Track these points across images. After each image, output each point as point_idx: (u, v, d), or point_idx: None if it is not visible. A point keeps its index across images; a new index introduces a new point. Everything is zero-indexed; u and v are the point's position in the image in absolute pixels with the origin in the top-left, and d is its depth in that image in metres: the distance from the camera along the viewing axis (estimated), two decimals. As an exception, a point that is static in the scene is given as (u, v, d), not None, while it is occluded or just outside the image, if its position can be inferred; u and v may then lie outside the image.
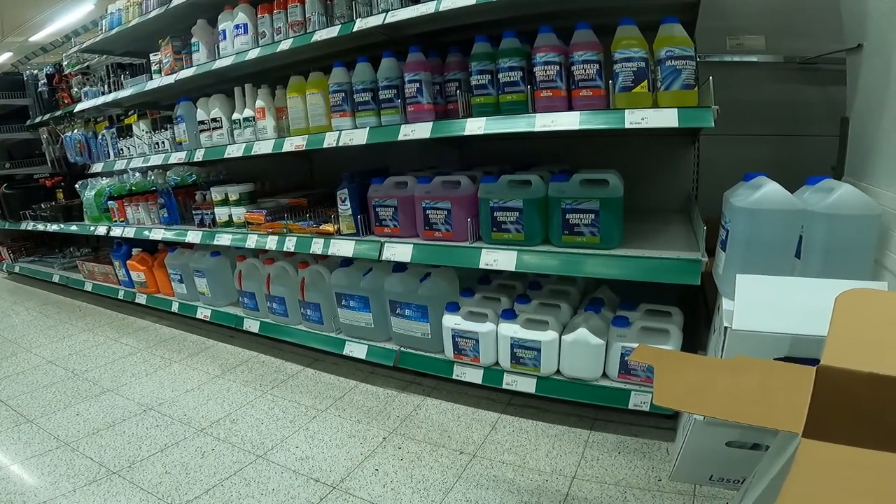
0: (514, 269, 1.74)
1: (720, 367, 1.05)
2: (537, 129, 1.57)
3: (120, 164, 3.31)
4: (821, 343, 1.14)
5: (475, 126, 1.71)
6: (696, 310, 1.88)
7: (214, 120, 2.64)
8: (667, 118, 1.37)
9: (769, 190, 1.26)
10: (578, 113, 1.54)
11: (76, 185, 3.79)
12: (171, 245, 3.18)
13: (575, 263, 1.66)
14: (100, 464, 1.85)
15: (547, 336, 1.80)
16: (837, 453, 0.68)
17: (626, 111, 1.45)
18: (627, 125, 1.42)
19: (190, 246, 3.03)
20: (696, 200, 2.06)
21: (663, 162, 2.18)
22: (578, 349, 1.77)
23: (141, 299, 3.40)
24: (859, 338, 0.83)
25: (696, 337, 1.85)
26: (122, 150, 3.35)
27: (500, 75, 1.73)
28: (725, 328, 1.22)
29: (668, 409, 1.68)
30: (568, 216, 1.67)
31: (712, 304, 1.78)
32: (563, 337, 1.80)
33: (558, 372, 1.85)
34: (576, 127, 1.51)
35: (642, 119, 1.39)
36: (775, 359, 1.17)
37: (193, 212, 2.87)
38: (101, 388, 2.49)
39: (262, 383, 2.40)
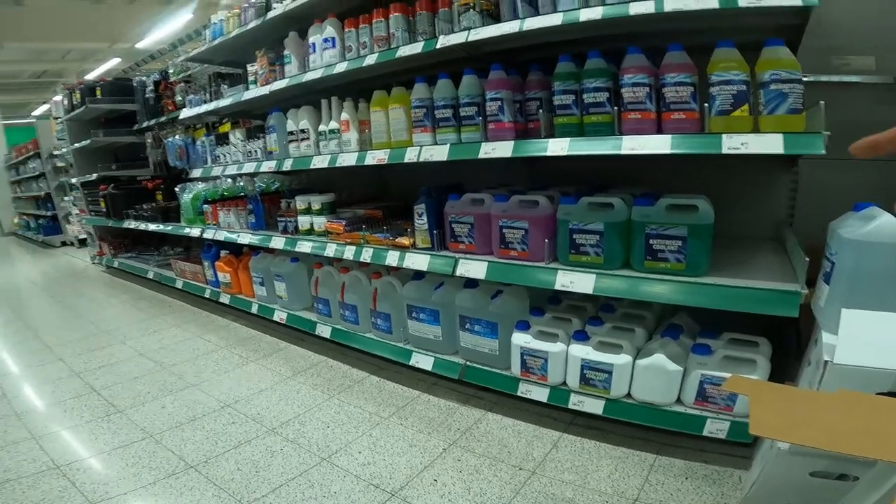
0: (591, 292, 1.70)
1: (822, 399, 0.99)
2: (624, 151, 1.54)
3: (216, 171, 3.52)
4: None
5: (558, 147, 1.70)
6: (782, 342, 1.76)
7: (303, 131, 2.76)
8: (771, 144, 1.30)
9: (882, 222, 1.16)
10: (670, 136, 1.49)
11: (176, 188, 4.04)
12: (255, 249, 3.35)
13: (658, 289, 1.60)
14: (179, 457, 1.94)
15: (620, 359, 1.76)
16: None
17: (724, 135, 1.39)
18: (725, 150, 1.36)
19: (271, 251, 3.18)
20: (791, 228, 1.93)
21: (753, 187, 2.06)
22: (654, 374, 1.71)
23: (224, 299, 3.60)
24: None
25: (785, 369, 1.73)
26: (218, 156, 3.56)
27: (584, 96, 1.72)
28: (826, 362, 1.14)
29: (748, 437, 1.59)
30: (652, 241, 1.62)
31: (805, 337, 1.67)
32: (637, 361, 1.74)
33: (629, 395, 1.80)
34: (667, 151, 1.46)
35: (742, 144, 1.33)
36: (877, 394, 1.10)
37: (277, 218, 3.02)
38: (186, 382, 2.64)
39: (329, 387, 2.47)
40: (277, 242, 2.91)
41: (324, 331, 2.80)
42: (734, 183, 2.04)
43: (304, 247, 2.73)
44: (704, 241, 1.55)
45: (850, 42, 1.92)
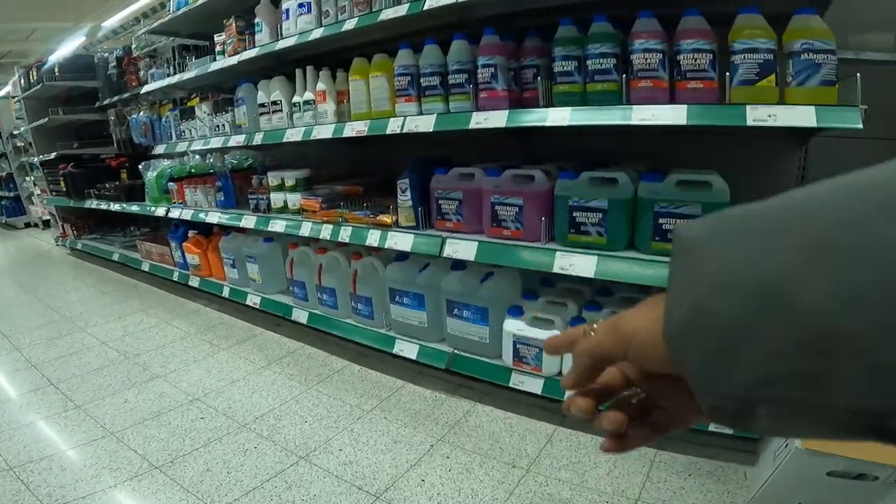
0: (593, 276, 1.57)
1: None
2: (634, 122, 1.40)
3: (181, 147, 3.34)
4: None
5: (559, 116, 1.56)
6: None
7: (275, 103, 2.59)
8: (801, 116, 1.18)
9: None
10: (685, 106, 1.36)
11: (139, 166, 3.86)
12: (225, 229, 3.18)
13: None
14: (143, 457, 1.81)
15: (620, 350, 1.64)
16: None
17: (748, 107, 1.26)
18: (750, 122, 1.23)
19: (244, 230, 3.01)
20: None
21: (757, 164, 1.95)
22: (656, 367, 1.60)
23: (194, 282, 3.42)
24: None
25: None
26: (183, 132, 3.38)
27: (588, 62, 1.57)
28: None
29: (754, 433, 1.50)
30: (661, 220, 1.50)
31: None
32: (638, 352, 1.63)
33: (629, 387, 1.69)
34: (682, 122, 1.33)
35: (769, 116, 1.20)
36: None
37: (249, 196, 2.85)
38: (151, 374, 2.49)
39: (307, 377, 2.35)
40: (248, 221, 2.74)
41: (300, 316, 2.65)
42: (738, 160, 1.92)
43: (278, 226, 2.56)
44: (719, 222, 1.43)
45: (870, 18, 1.81)
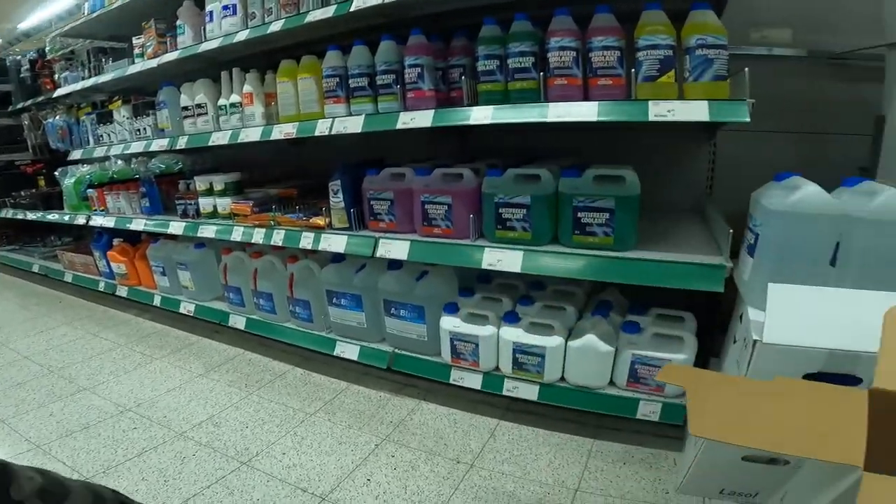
0: (519, 271, 1.61)
1: (761, 392, 0.96)
2: (550, 119, 1.44)
3: (100, 151, 3.18)
4: (858, 358, 1.05)
5: (482, 115, 1.58)
6: (705, 314, 1.77)
7: (199, 106, 2.50)
8: (696, 111, 1.25)
9: (809, 192, 1.14)
10: (597, 103, 1.41)
11: (56, 173, 3.65)
12: (153, 236, 3.04)
13: (587, 266, 1.54)
14: (72, 469, 1.74)
15: (552, 342, 1.70)
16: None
17: (650, 102, 1.33)
18: (651, 118, 1.30)
19: (174, 237, 2.89)
20: (710, 198, 1.95)
21: (674, 158, 2.06)
22: (586, 356, 1.67)
23: (122, 292, 3.25)
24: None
25: (710, 343, 1.75)
26: (101, 136, 3.21)
27: (509, 61, 1.60)
28: (755, 341, 1.12)
29: (680, 419, 1.59)
30: (580, 215, 1.55)
31: (727, 308, 1.69)
32: (569, 343, 1.70)
33: (563, 379, 1.76)
34: (593, 118, 1.38)
35: (668, 112, 1.27)
36: (807, 374, 1.09)
37: (176, 202, 2.73)
38: (78, 386, 2.37)
39: (247, 383, 2.30)
40: (176, 227, 2.63)
41: (238, 322, 2.57)
42: (656, 155, 2.02)
43: (208, 231, 2.48)
44: (632, 214, 1.50)
45: (768, 14, 1.94)
